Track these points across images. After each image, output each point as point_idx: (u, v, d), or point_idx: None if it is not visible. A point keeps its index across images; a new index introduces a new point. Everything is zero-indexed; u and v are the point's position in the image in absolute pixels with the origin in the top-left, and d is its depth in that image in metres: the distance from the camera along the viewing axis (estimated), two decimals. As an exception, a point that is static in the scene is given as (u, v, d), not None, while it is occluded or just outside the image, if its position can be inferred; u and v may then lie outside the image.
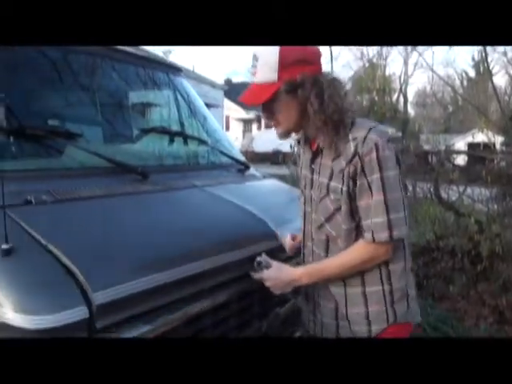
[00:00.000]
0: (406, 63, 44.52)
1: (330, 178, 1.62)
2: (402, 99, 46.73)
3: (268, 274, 1.67)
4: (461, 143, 16.61)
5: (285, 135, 1.71)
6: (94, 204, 1.58)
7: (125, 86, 2.62)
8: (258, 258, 1.68)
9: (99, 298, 1.17)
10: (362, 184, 1.54)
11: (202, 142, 2.46)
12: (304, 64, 1.56)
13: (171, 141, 2.45)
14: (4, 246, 1.19)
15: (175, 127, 2.62)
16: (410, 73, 45.96)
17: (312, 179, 1.72)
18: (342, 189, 1.59)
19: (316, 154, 1.70)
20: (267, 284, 1.67)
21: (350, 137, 1.55)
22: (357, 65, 42.23)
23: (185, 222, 1.73)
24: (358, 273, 1.65)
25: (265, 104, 1.62)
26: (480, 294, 4.25)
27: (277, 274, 1.67)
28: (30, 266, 1.21)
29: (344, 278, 1.67)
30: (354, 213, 1.59)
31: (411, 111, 50.08)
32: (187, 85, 2.91)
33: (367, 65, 37.98)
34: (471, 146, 14.55)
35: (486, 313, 4.00)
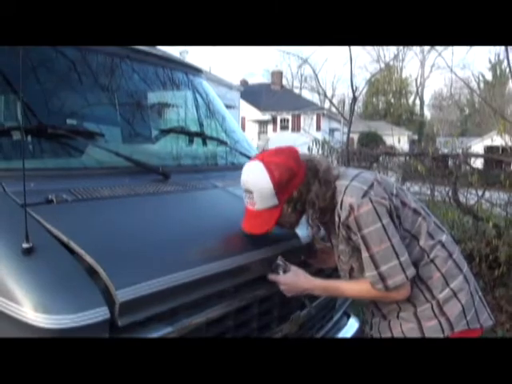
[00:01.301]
0: (422, 65, 44.28)
1: (341, 243, 1.71)
2: (418, 101, 46.49)
3: (285, 278, 1.69)
4: (478, 146, 16.43)
5: (295, 228, 1.83)
6: (115, 203, 1.59)
7: (144, 86, 2.63)
8: (277, 261, 1.69)
9: (122, 295, 1.17)
10: (355, 241, 1.61)
11: (221, 142, 2.46)
12: (293, 178, 1.63)
13: (190, 141, 2.46)
14: (25, 245, 1.19)
15: (195, 128, 2.63)
16: (426, 75, 45.56)
17: (332, 244, 1.82)
18: (346, 251, 1.69)
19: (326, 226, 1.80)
20: (282, 287, 1.69)
21: (336, 205, 1.62)
22: (373, 67, 42.12)
23: (206, 221, 1.73)
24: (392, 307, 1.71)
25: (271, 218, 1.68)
26: (497, 299, 4.20)
27: (293, 280, 1.70)
28: (50, 264, 1.21)
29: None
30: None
31: (427, 114, 49.79)
32: (207, 85, 2.91)
33: (383, 67, 37.80)
34: (489, 149, 14.38)
35: (504, 319, 3.95)
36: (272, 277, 1.68)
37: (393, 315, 1.72)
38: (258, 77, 48.00)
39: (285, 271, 1.69)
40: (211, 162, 2.42)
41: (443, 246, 1.70)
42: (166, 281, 1.28)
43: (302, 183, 1.63)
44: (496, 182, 5.18)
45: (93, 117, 2.24)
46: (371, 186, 1.58)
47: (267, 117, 35.47)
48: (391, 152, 6.16)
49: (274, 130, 35.80)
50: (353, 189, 1.59)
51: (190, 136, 2.45)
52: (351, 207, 1.56)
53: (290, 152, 1.68)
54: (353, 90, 4.72)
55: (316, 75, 8.85)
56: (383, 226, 1.55)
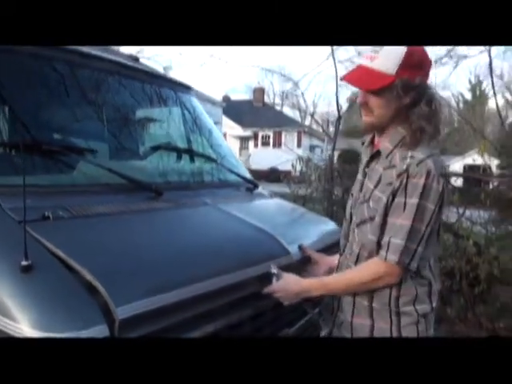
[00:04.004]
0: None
1: (376, 186, 1.65)
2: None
3: (278, 285, 1.70)
4: (456, 165, 16.65)
5: (369, 130, 1.73)
6: (112, 220, 1.59)
7: (132, 102, 2.63)
8: (272, 270, 1.71)
9: (122, 313, 1.17)
10: (398, 202, 1.56)
11: (211, 159, 2.48)
12: (419, 69, 1.59)
13: (179, 158, 2.47)
14: (23, 263, 1.18)
15: (184, 144, 2.64)
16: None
17: (363, 182, 1.75)
18: (382, 200, 1.60)
19: (373, 158, 1.73)
20: (277, 295, 1.70)
21: (409, 154, 1.57)
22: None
23: (199, 238, 1.74)
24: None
25: (367, 92, 1.62)
26: (477, 316, 4.26)
27: (285, 285, 1.70)
28: (49, 282, 1.21)
29: (351, 293, 1.71)
30: (382, 227, 1.61)
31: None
32: (197, 102, 2.94)
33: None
34: (468, 167, 14.62)
35: (484, 335, 4.00)
36: (266, 289, 1.69)
37: (349, 313, 1.73)
38: (240, 93, 48.22)
39: (278, 280, 1.70)
40: (201, 179, 2.43)
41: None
42: (165, 298, 1.29)
43: (422, 87, 1.59)
44: (476, 201, 5.28)
45: (80, 132, 2.24)
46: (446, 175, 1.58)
47: (249, 133, 35.60)
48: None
49: (256, 145, 35.91)
50: (436, 161, 1.56)
51: (181, 152, 2.46)
52: (428, 173, 1.52)
53: (428, 56, 1.63)
54: (338, 109, 4.80)
55: (302, 93, 8.93)
56: (434, 211, 1.55)
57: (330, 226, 2.62)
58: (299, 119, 38.15)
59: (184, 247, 1.63)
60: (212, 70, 22.11)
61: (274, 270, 1.71)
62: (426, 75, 1.62)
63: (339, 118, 5.12)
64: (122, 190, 1.81)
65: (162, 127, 2.64)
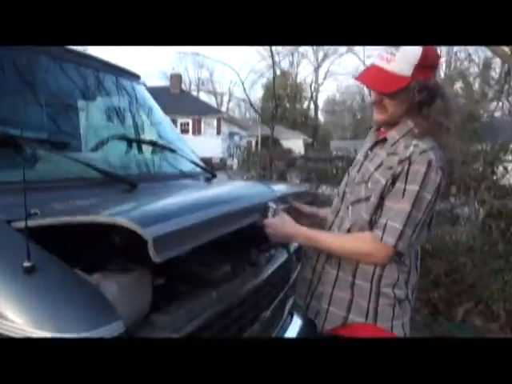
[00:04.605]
0: (316, 72, 46.19)
1: (376, 169, 1.71)
2: (312, 106, 48.44)
3: (272, 221, 1.76)
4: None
5: (381, 125, 1.79)
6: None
7: (77, 90, 2.52)
8: (270, 204, 1.78)
9: (151, 232, 1.10)
10: (398, 187, 1.62)
11: (170, 150, 2.44)
12: (433, 69, 1.67)
13: (139, 149, 2.41)
14: (26, 264, 1.11)
15: (136, 135, 2.58)
16: (320, 81, 47.58)
17: (362, 163, 1.82)
18: (381, 182, 1.66)
19: (377, 143, 1.80)
20: (267, 230, 1.75)
21: (413, 143, 1.64)
22: (269, 73, 43.16)
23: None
24: (352, 263, 1.74)
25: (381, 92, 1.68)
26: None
27: (279, 224, 1.76)
28: (54, 281, 1.16)
29: (336, 256, 1.77)
30: (377, 208, 1.67)
31: (321, 118, 52.05)
32: (145, 91, 2.87)
33: (279, 73, 38.90)
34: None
35: (418, 306, 4.27)
36: (261, 220, 1.74)
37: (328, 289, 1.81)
38: (155, 79, 47.21)
39: (274, 216, 1.76)
40: (162, 171, 2.39)
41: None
42: (189, 218, 1.29)
43: (435, 85, 1.66)
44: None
45: (19, 123, 2.11)
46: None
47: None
48: (308, 157, 6.42)
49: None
50: (437, 154, 1.62)
51: (141, 144, 2.40)
52: (430, 163, 1.58)
53: (439, 54, 1.73)
54: (275, 98, 4.88)
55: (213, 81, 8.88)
56: (430, 201, 1.61)
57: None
58: (215, 105, 38.05)
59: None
60: (124, 55, 21.34)
61: (273, 206, 1.77)
62: (435, 74, 1.71)
63: (276, 106, 5.21)
64: (97, 184, 1.75)
65: (117, 117, 2.55)
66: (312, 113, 47.95)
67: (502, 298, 4.17)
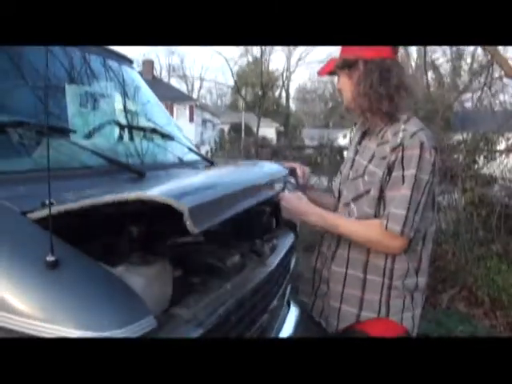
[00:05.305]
0: (288, 60, 46.16)
1: (370, 161, 1.70)
2: (284, 94, 48.46)
3: (288, 196, 1.78)
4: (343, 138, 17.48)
5: (352, 111, 1.82)
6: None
7: (68, 75, 2.42)
8: (290, 180, 1.83)
9: (186, 203, 1.06)
10: (396, 176, 1.61)
11: (170, 137, 2.37)
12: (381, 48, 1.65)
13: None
14: (49, 258, 1.04)
15: (131, 122, 2.49)
16: (292, 69, 47.56)
17: (353, 159, 1.81)
18: (377, 174, 1.65)
19: (364, 136, 1.81)
20: (282, 203, 1.78)
21: (402, 128, 1.63)
22: (242, 60, 42.98)
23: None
24: (362, 259, 1.73)
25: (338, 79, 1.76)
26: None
27: (295, 199, 1.78)
28: (79, 277, 1.09)
29: (342, 255, 1.78)
30: (379, 199, 1.66)
31: (293, 106, 52.17)
32: (138, 76, 2.78)
33: (251, 60, 38.75)
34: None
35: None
36: (278, 194, 1.76)
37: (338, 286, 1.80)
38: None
39: (290, 191, 1.81)
40: (165, 159, 2.31)
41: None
42: (220, 191, 1.28)
43: (364, 58, 1.68)
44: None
45: (11, 109, 2.02)
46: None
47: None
48: (302, 146, 6.40)
49: (146, 120, 34.79)
50: (427, 134, 1.62)
51: (140, 131, 2.32)
52: (422, 144, 1.58)
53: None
54: (262, 87, 4.81)
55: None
56: (428, 181, 1.60)
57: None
58: (186, 92, 37.67)
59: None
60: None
61: (291, 181, 1.83)
62: (375, 53, 1.67)
63: (264, 94, 5.16)
64: (104, 173, 1.68)
65: (119, 106, 2.44)
66: (284, 101, 47.98)
67: (486, 284, 4.26)
